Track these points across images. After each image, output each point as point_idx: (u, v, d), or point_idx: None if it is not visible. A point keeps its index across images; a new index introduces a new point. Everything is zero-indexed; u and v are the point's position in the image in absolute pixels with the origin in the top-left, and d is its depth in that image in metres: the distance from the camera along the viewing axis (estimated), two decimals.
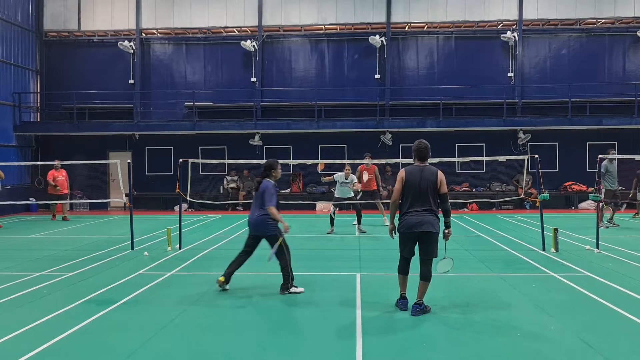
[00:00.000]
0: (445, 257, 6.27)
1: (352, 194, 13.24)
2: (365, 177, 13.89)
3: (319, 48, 21.48)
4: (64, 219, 17.04)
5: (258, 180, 7.42)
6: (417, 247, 6.14)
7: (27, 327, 5.70)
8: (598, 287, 7.32)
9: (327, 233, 13.07)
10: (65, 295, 7.14)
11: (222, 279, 7.21)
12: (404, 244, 6.15)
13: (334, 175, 13.24)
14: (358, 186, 13.43)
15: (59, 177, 17.23)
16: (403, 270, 6.25)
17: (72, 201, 18.59)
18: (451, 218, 6.23)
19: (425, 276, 6.08)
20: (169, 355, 4.92)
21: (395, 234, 6.25)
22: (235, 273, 7.33)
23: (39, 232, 14.10)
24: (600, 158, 11.01)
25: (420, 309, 6.03)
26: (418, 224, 5.96)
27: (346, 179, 13.05)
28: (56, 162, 17.17)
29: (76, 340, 5.35)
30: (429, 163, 6.21)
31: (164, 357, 4.89)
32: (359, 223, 13.24)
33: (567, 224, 14.01)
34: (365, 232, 13.09)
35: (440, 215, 6.13)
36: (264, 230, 7.18)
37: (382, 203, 14.58)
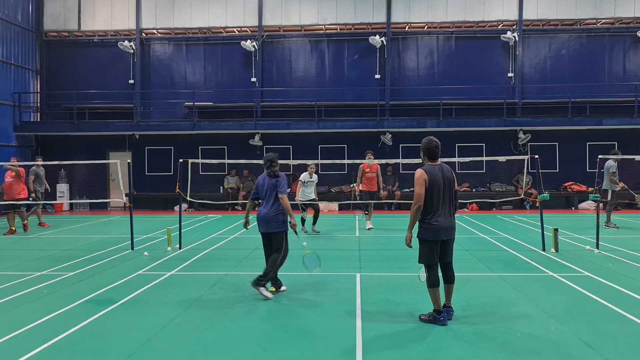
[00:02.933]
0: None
1: (314, 196, 13.18)
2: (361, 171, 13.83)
3: (319, 48, 21.49)
4: (10, 231, 13.69)
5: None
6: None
7: (27, 327, 5.70)
8: (598, 287, 7.32)
9: (316, 232, 13.07)
10: (65, 295, 7.14)
11: (272, 288, 7.13)
12: (432, 251, 5.70)
13: (300, 178, 13.15)
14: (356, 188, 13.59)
15: (7, 178, 13.86)
16: (436, 281, 5.71)
17: (26, 203, 14.34)
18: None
19: (453, 278, 5.89)
20: (169, 356, 4.92)
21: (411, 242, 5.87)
22: (236, 273, 7.31)
23: (39, 232, 14.09)
24: (600, 158, 10.99)
25: (453, 311, 5.89)
26: (449, 230, 5.70)
27: (311, 177, 12.99)
28: (12, 161, 14.31)
29: (76, 340, 5.35)
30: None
31: (163, 357, 4.89)
32: (313, 224, 13.16)
33: (567, 224, 14.01)
34: (319, 232, 13.08)
35: None
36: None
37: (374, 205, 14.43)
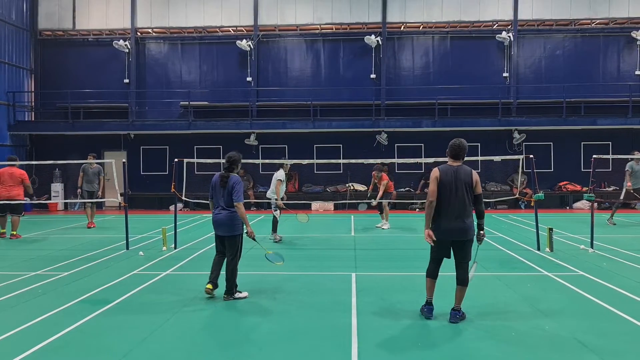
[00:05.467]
0: (474, 262, 6.01)
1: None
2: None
3: (315, 48, 21.48)
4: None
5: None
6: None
7: (22, 327, 5.68)
8: (592, 286, 7.35)
9: (277, 241, 11.77)
10: (60, 295, 7.11)
11: (210, 286, 6.90)
12: (438, 249, 5.84)
13: (280, 177, 11.72)
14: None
15: None
16: (432, 273, 5.92)
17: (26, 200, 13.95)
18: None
19: (463, 280, 5.80)
20: (164, 355, 4.91)
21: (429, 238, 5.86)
22: None
23: (33, 232, 14.02)
24: (594, 158, 11.04)
25: (459, 315, 5.76)
26: (456, 232, 5.69)
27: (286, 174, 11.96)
28: None
29: (71, 340, 5.33)
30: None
31: (159, 357, 4.88)
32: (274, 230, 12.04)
33: (562, 224, 14.07)
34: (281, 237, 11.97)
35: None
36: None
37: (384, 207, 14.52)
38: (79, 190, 14.99)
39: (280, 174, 11.77)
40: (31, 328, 5.69)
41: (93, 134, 20.90)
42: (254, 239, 6.94)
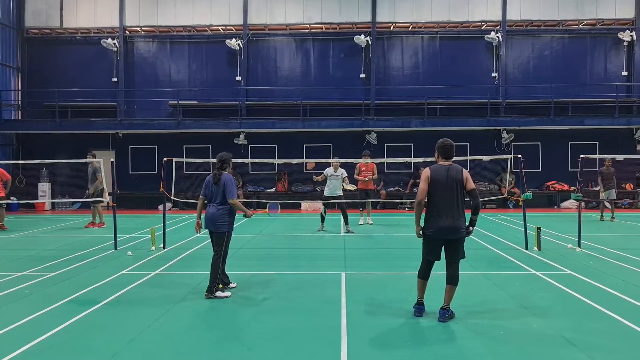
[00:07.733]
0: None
1: (340, 192, 13.24)
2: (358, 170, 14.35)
3: (305, 47, 21.48)
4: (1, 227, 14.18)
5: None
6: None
7: (9, 328, 5.62)
8: (580, 285, 7.41)
9: (318, 230, 13.24)
10: (47, 295, 7.05)
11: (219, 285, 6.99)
12: (430, 247, 5.87)
13: (324, 172, 13.34)
14: (351, 187, 13.60)
15: None
16: (424, 274, 5.96)
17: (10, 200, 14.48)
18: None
19: (453, 280, 5.80)
20: (153, 356, 4.88)
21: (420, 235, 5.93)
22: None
23: (20, 232, 13.89)
24: (581, 158, 11.14)
25: (448, 314, 5.75)
26: (449, 230, 5.70)
27: (335, 171, 13.15)
28: None
29: (59, 340, 5.29)
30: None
31: (147, 357, 4.85)
32: (346, 224, 13.23)
33: (550, 223, 14.18)
34: (353, 232, 13.04)
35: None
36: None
37: (372, 203, 14.99)
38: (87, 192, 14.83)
39: (326, 170, 13.33)
40: (18, 329, 5.64)
41: (81, 133, 20.74)
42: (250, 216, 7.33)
